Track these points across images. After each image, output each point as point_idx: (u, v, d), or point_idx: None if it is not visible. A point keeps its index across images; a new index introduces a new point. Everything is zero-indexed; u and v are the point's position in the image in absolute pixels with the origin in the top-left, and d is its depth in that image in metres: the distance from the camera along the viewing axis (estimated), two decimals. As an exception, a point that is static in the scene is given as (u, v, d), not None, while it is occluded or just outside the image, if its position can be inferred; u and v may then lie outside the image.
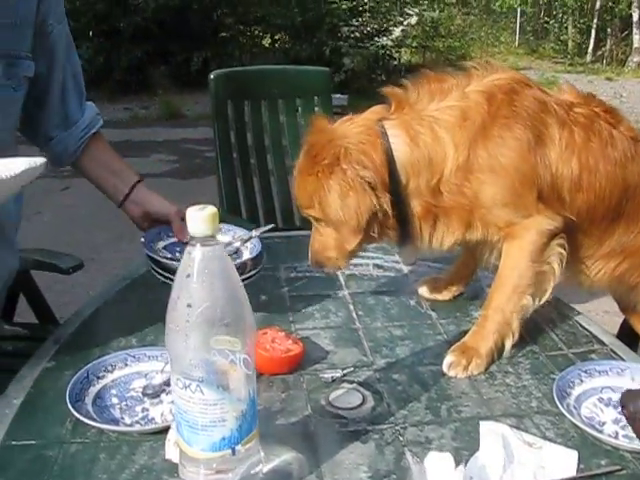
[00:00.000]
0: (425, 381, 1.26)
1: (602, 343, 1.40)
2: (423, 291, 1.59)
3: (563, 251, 1.35)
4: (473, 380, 1.27)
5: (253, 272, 1.43)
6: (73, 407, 1.12)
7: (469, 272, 1.60)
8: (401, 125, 1.32)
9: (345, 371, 1.27)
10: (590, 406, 1.18)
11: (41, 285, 2.01)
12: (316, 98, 2.92)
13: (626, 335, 1.84)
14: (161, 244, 1.53)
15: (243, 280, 1.42)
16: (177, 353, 0.86)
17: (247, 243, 1.53)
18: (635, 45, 15.77)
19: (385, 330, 1.44)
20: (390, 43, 11.56)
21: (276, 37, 11.92)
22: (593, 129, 1.38)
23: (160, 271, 1.41)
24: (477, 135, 1.30)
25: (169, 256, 1.48)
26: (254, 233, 1.54)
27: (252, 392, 0.91)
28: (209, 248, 0.84)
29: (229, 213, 2.65)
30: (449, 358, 1.30)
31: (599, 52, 16.93)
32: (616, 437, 1.10)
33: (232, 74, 2.92)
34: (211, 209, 0.84)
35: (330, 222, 1.33)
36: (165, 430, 1.06)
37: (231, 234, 1.57)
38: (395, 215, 1.32)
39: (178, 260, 1.39)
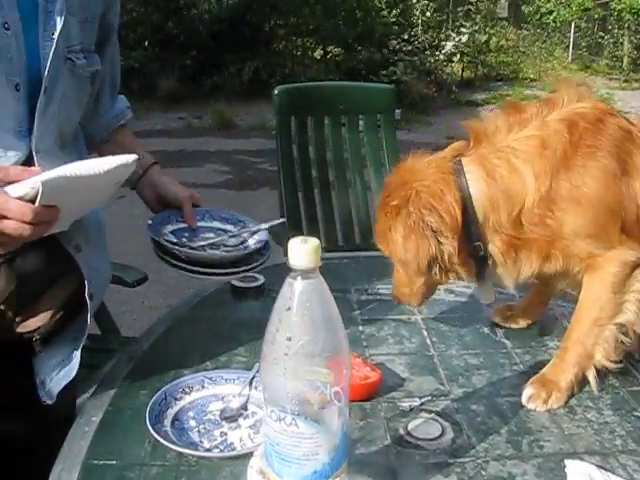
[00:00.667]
0: (504, 413, 1.25)
1: (685, 380, 1.37)
2: (497, 319, 1.57)
3: None
4: (553, 414, 1.25)
5: (259, 262, 1.47)
6: (153, 429, 1.13)
7: (543, 301, 1.58)
8: (477, 160, 1.31)
9: (423, 400, 1.27)
10: (677, 447, 1.15)
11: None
12: (379, 115, 2.93)
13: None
14: (169, 228, 1.50)
15: (248, 270, 1.46)
16: (273, 385, 0.86)
17: (255, 235, 1.53)
18: (693, 62, 15.45)
19: (460, 358, 1.42)
20: (442, 57, 11.52)
21: (327, 49, 11.96)
22: None
23: (161, 254, 1.41)
24: (559, 164, 1.28)
25: (174, 240, 1.46)
26: (263, 226, 1.54)
27: (344, 425, 0.90)
28: (311, 281, 0.84)
29: (291, 228, 2.65)
30: (528, 390, 1.28)
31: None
32: None
33: (296, 89, 2.94)
34: (314, 242, 0.84)
35: (396, 261, 1.37)
36: (244, 456, 1.07)
37: (240, 225, 1.56)
38: (471, 253, 1.31)
39: (183, 245, 1.43)
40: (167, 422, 1.17)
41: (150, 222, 1.47)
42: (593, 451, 1.14)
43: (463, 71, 12.99)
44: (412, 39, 11.62)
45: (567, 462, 1.08)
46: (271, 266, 1.88)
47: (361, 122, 2.92)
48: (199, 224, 1.53)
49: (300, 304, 0.84)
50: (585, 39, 17.19)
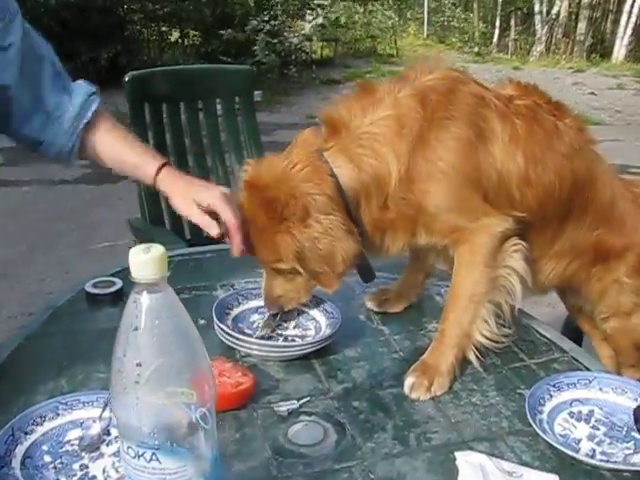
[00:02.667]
0: (388, 407, 1.18)
1: (562, 350, 1.35)
2: (372, 304, 1.50)
3: (522, 248, 1.28)
4: (438, 402, 1.19)
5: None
6: None
7: (418, 281, 1.52)
8: (341, 152, 1.24)
9: (301, 402, 1.18)
10: (562, 422, 1.13)
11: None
12: (237, 98, 2.81)
13: (571, 330, 1.82)
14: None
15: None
16: (126, 419, 0.74)
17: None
18: (537, 35, 16.23)
19: (337, 351, 1.34)
20: (300, 39, 11.45)
21: (185, 32, 11.63)
22: (536, 120, 1.32)
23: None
24: (415, 143, 1.22)
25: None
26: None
27: (214, 449, 0.79)
28: (158, 295, 0.72)
29: (152, 224, 2.50)
30: (410, 379, 1.22)
31: (502, 42, 17.35)
32: (593, 456, 1.05)
33: (148, 75, 2.76)
34: (157, 250, 0.72)
35: (309, 272, 1.25)
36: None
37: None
38: None
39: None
40: (16, 463, 1.00)
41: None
42: (481, 437, 1.10)
43: (322, 50, 13.00)
44: (271, 20, 11.48)
45: (457, 454, 1.02)
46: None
47: (219, 106, 2.80)
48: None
49: (148, 323, 0.71)
50: (437, 15, 17.69)
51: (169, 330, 0.72)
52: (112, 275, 1.63)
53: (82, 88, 1.48)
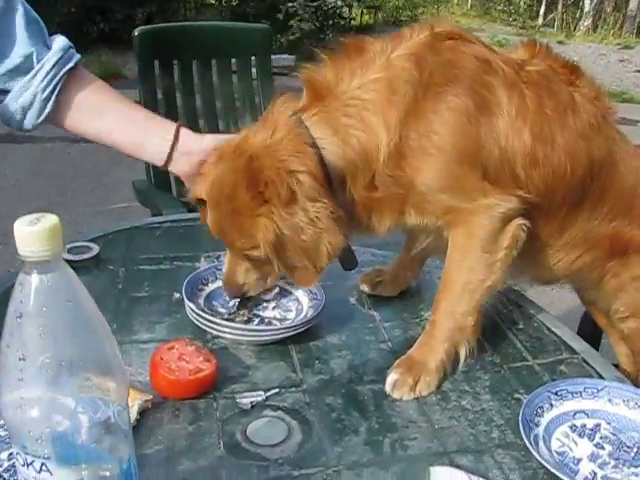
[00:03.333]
0: (364, 405, 1.04)
1: (572, 351, 1.20)
2: (364, 286, 1.36)
3: (521, 233, 1.12)
4: (422, 403, 1.06)
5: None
6: None
7: (416, 263, 1.38)
8: (325, 121, 1.07)
9: (268, 394, 1.05)
10: (561, 437, 0.98)
11: None
12: (253, 58, 2.66)
13: (589, 324, 1.67)
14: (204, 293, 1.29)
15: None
16: (12, 421, 0.61)
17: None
18: (586, 9, 15.69)
19: (318, 337, 1.21)
20: (339, 2, 11.16)
21: (224, -7, 11.45)
22: (550, 91, 1.14)
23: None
24: (408, 112, 1.05)
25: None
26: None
27: (125, 461, 0.66)
28: (50, 275, 0.58)
29: (158, 188, 2.37)
30: (393, 376, 1.08)
31: (550, 16, 16.81)
32: None
33: (159, 30, 2.62)
34: (48, 220, 0.58)
35: (284, 265, 1.09)
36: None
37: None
38: None
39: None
40: None
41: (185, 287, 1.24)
42: (466, 448, 0.96)
43: (362, 17, 12.71)
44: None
45: (432, 469, 0.88)
46: (113, 232, 1.62)
47: (234, 66, 2.65)
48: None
49: (34, 309, 0.58)
50: (483, -15, 17.22)
51: (62, 318, 0.58)
52: (92, 240, 1.52)
53: (60, 42, 1.30)
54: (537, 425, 0.98)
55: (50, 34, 1.31)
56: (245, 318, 1.21)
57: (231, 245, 1.14)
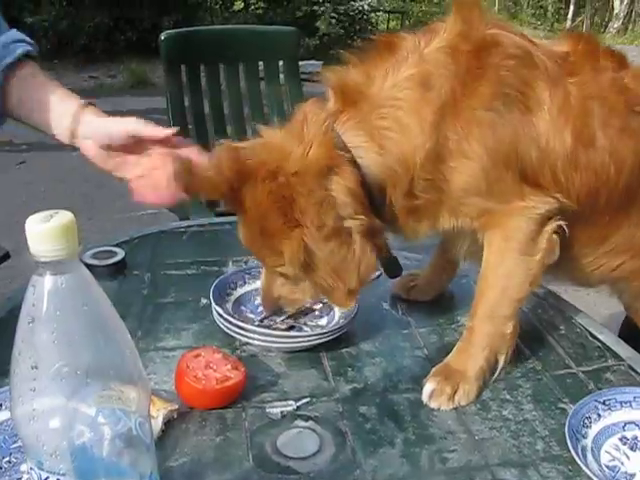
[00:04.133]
0: (400, 416, 0.99)
1: (618, 357, 1.14)
2: (398, 291, 1.31)
3: (559, 235, 1.06)
4: (461, 413, 1.00)
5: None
6: None
7: (452, 265, 1.32)
8: (359, 127, 1.00)
9: (299, 403, 1.00)
10: (611, 450, 0.92)
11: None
12: (281, 64, 2.63)
13: (631, 330, 1.60)
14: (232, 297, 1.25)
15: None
16: (24, 433, 0.57)
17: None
18: (615, 11, 15.50)
19: (351, 344, 1.16)
20: (367, 7, 11.13)
21: (248, 1, 11.49)
22: (596, 85, 1.07)
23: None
24: (445, 110, 0.98)
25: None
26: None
27: (153, 471, 0.62)
28: (64, 277, 0.54)
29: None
30: (430, 385, 1.03)
31: (579, 18, 16.63)
32: (648, 495, 0.84)
33: (186, 34, 2.61)
34: (62, 218, 0.54)
35: (316, 286, 1.04)
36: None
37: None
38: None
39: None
40: None
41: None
42: (509, 461, 0.90)
43: (389, 22, 12.66)
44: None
45: (474, 485, 0.83)
46: (138, 237, 1.59)
47: (261, 70, 2.62)
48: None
49: (48, 314, 0.54)
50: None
51: (77, 323, 0.54)
52: (117, 245, 1.49)
53: (13, 34, 1.23)
54: (584, 437, 0.92)
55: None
56: (285, 326, 1.17)
57: (262, 261, 1.09)
